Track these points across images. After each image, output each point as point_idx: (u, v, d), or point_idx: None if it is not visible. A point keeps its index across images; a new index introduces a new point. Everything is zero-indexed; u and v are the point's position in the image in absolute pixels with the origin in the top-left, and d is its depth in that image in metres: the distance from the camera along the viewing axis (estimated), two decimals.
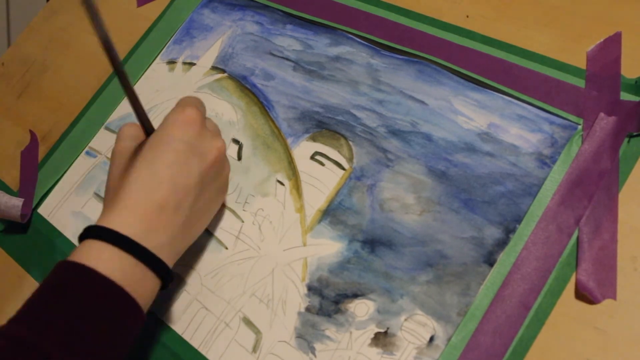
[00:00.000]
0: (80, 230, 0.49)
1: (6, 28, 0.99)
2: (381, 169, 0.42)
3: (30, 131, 0.58)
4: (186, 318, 0.43)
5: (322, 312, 0.39)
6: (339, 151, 0.44)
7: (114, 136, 0.53)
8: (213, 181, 0.38)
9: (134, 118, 0.53)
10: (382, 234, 0.40)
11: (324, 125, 0.45)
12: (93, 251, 0.33)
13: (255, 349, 0.40)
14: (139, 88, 0.55)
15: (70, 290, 0.31)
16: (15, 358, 0.29)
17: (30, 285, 0.49)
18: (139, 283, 0.33)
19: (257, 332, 0.40)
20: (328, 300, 0.39)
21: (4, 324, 0.31)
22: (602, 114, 0.38)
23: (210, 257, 0.44)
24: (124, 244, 0.33)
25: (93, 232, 0.33)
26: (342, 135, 0.44)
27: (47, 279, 0.33)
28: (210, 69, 0.53)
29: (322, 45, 0.49)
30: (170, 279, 0.35)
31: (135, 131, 0.39)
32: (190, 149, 0.36)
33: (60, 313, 0.31)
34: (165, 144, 0.35)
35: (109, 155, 0.52)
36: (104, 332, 0.31)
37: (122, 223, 0.33)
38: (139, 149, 0.37)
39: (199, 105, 0.39)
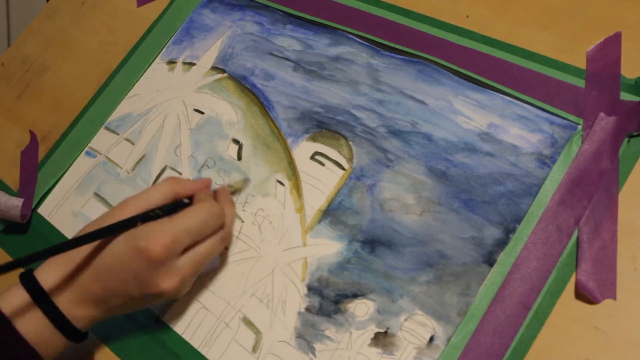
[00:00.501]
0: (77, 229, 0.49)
1: (6, 28, 0.99)
2: (381, 169, 0.42)
3: (30, 131, 0.58)
4: (186, 318, 0.43)
5: (322, 312, 0.39)
6: (339, 151, 0.44)
7: (114, 136, 0.53)
8: (146, 302, 0.39)
9: (134, 117, 0.53)
10: (382, 234, 0.40)
11: (324, 126, 0.45)
12: (20, 304, 0.36)
13: (255, 349, 0.40)
14: (139, 88, 0.55)
15: None
16: None
17: None
18: (49, 342, 0.37)
19: (257, 332, 0.40)
20: (328, 300, 0.39)
21: None
22: (602, 114, 0.38)
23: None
24: (48, 309, 0.37)
25: (28, 278, 0.37)
26: (342, 136, 0.44)
27: None
28: (210, 69, 0.53)
29: (322, 46, 0.49)
30: (82, 338, 0.39)
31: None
32: (133, 277, 0.37)
33: None
34: (117, 258, 0.37)
35: (109, 155, 0.52)
36: None
37: (53, 284, 0.37)
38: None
39: (187, 232, 0.37)
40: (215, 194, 0.42)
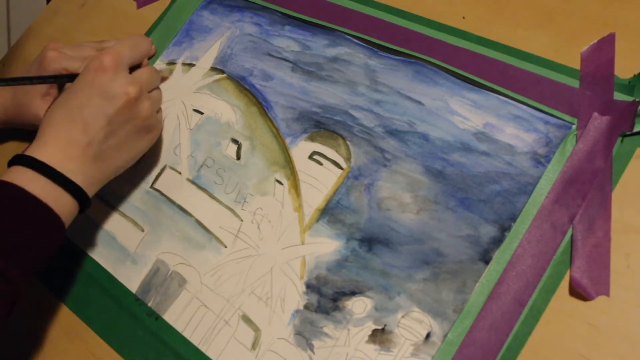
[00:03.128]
0: (80, 229, 0.49)
1: (6, 29, 0.99)
2: (378, 169, 0.43)
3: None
4: (186, 316, 0.43)
5: (320, 309, 0.40)
6: (336, 151, 0.44)
7: None
8: (125, 123, 0.42)
9: None
10: (380, 232, 0.40)
11: (322, 125, 0.46)
12: (20, 175, 0.39)
13: (254, 346, 0.40)
14: None
15: (3, 206, 0.38)
16: None
17: (30, 284, 0.50)
18: (57, 201, 0.40)
19: (256, 329, 0.41)
20: (326, 297, 0.40)
21: None
22: (595, 114, 0.38)
23: (209, 256, 0.44)
24: (43, 170, 0.39)
25: (20, 160, 0.40)
26: (340, 135, 0.45)
27: None
28: (210, 69, 0.53)
29: (320, 46, 0.49)
30: (87, 202, 0.42)
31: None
32: (98, 92, 0.41)
33: None
34: (79, 87, 0.42)
35: None
36: (35, 238, 0.38)
37: (43, 154, 0.40)
38: (65, 90, 0.43)
39: (125, 50, 0.44)
40: None
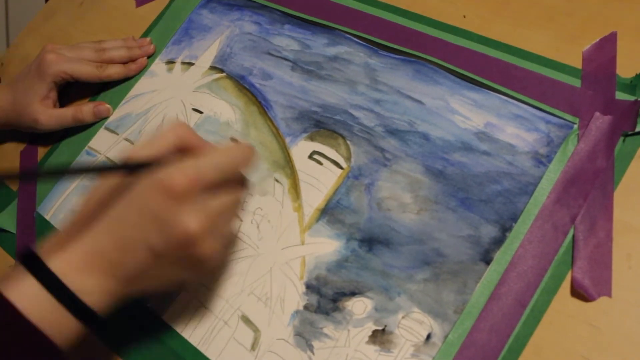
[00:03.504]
0: None
1: (5, 28, 0.99)
2: (379, 168, 0.42)
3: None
4: (185, 316, 0.43)
5: (320, 310, 0.40)
6: (336, 150, 0.44)
7: (114, 136, 0.53)
8: (175, 261, 0.33)
9: (133, 117, 0.53)
10: (380, 232, 0.40)
11: (322, 125, 0.46)
12: (20, 284, 0.31)
13: (253, 346, 0.40)
14: (139, 88, 0.55)
15: None
16: None
17: None
18: (57, 324, 0.31)
19: (256, 330, 0.41)
20: (326, 298, 0.40)
21: None
22: (597, 113, 0.38)
23: None
24: (51, 283, 0.31)
25: (29, 259, 0.32)
26: (340, 135, 0.45)
27: None
28: (209, 68, 0.53)
29: (320, 45, 0.49)
30: (98, 323, 0.33)
31: None
32: (150, 216, 0.31)
33: None
34: (132, 200, 0.32)
35: (109, 155, 0.53)
36: None
37: (58, 259, 0.32)
38: (116, 189, 0.33)
39: (210, 171, 0.33)
40: None
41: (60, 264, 0.31)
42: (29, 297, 0.31)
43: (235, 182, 0.35)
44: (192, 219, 0.31)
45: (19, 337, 0.30)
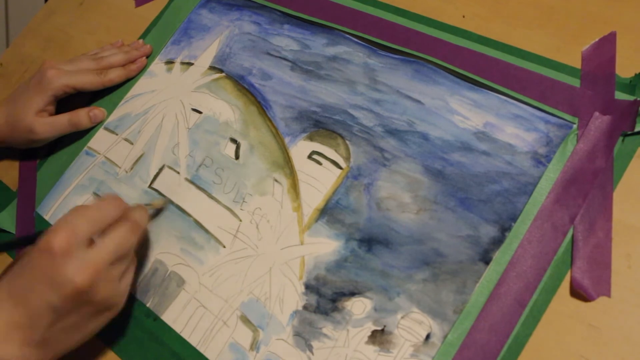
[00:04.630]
0: None
1: (5, 28, 0.99)
2: (378, 168, 0.42)
3: None
4: (184, 316, 0.43)
5: (319, 310, 0.39)
6: (336, 150, 0.44)
7: (113, 136, 0.53)
8: (75, 310, 0.35)
9: (132, 117, 0.53)
10: (379, 232, 0.40)
11: (321, 125, 0.46)
12: None
13: (252, 346, 0.40)
14: (138, 88, 0.55)
15: None
16: None
17: None
18: None
19: (255, 330, 0.40)
20: (325, 298, 0.40)
21: None
22: (596, 113, 0.38)
23: (208, 256, 0.44)
24: None
25: None
26: (339, 135, 0.45)
27: None
28: (208, 68, 0.53)
29: (319, 45, 0.49)
30: None
31: None
32: (42, 279, 0.34)
33: None
34: (24, 266, 0.35)
35: (108, 155, 0.53)
36: None
37: None
38: (16, 259, 0.37)
39: (83, 225, 0.36)
40: None
41: None
42: None
43: (117, 223, 0.39)
44: (76, 273, 0.34)
45: None
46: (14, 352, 0.34)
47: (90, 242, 0.36)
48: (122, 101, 0.55)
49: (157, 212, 0.47)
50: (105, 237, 0.37)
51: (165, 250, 0.46)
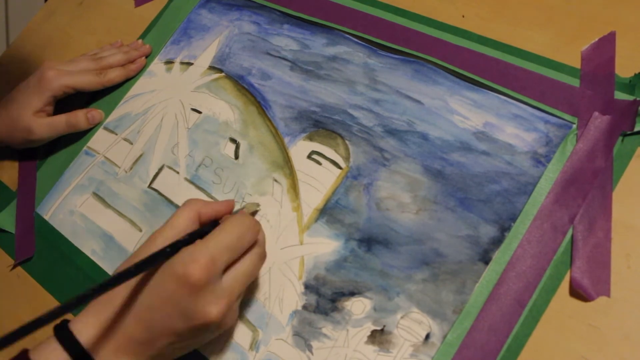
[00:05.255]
0: (78, 230, 0.49)
1: (5, 28, 0.99)
2: (378, 168, 0.42)
3: None
4: None
5: (319, 310, 0.39)
6: (335, 150, 0.44)
7: (113, 136, 0.53)
8: (197, 336, 0.36)
9: (132, 117, 0.53)
10: (379, 232, 0.40)
11: (321, 125, 0.46)
12: (52, 356, 0.34)
13: (252, 346, 0.40)
14: (137, 88, 0.55)
15: None
16: None
17: (29, 285, 0.50)
18: None
19: (254, 330, 0.40)
20: (325, 298, 0.40)
21: None
22: (596, 113, 0.38)
23: None
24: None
25: (64, 332, 0.34)
26: (339, 135, 0.45)
27: None
28: (208, 68, 0.53)
29: (319, 45, 0.49)
30: None
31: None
32: (174, 307, 0.34)
33: None
34: (155, 290, 0.34)
35: (108, 155, 0.53)
36: None
37: (92, 336, 0.34)
38: (143, 277, 0.36)
39: (223, 255, 0.35)
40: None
41: (100, 352, 0.34)
42: None
43: (250, 251, 0.37)
44: (212, 308, 0.34)
45: None
46: None
47: (224, 270, 0.35)
48: (122, 101, 0.55)
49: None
50: (239, 266, 0.36)
51: None
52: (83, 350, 0.34)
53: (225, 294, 0.35)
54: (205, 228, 0.37)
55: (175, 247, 0.34)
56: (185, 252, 0.34)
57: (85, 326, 0.35)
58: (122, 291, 0.35)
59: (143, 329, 0.34)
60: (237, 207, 0.44)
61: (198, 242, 0.35)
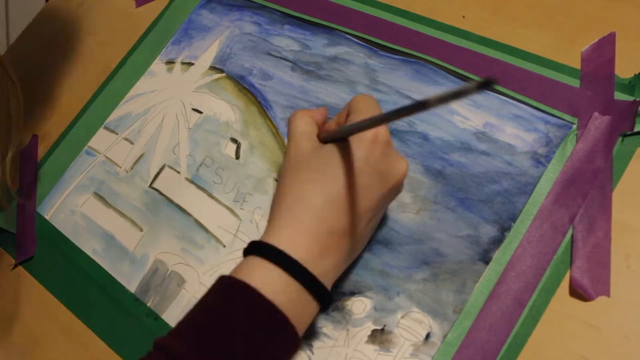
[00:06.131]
0: (79, 229, 0.49)
1: (5, 28, 0.99)
2: None
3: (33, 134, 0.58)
4: None
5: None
6: None
7: (114, 136, 0.53)
8: (388, 202, 0.36)
9: (133, 117, 0.53)
10: (379, 232, 0.40)
11: None
12: (259, 271, 0.32)
13: None
14: (138, 88, 0.55)
15: (233, 311, 0.31)
16: None
17: (30, 284, 0.50)
18: (300, 309, 0.32)
19: None
20: None
21: (165, 337, 0.31)
22: (596, 114, 0.38)
23: (208, 255, 0.44)
24: (291, 268, 0.32)
25: (261, 249, 0.33)
26: None
27: (210, 292, 0.32)
28: (209, 69, 0.53)
29: (319, 46, 0.49)
30: (330, 303, 0.34)
31: (309, 127, 0.37)
32: (373, 171, 0.33)
33: (222, 334, 0.30)
34: (347, 163, 0.33)
35: (108, 155, 0.53)
36: (263, 356, 0.31)
37: (291, 244, 0.32)
38: (317, 157, 0.34)
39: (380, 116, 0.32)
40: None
41: (298, 253, 0.32)
42: (271, 284, 0.31)
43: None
44: (401, 163, 0.35)
45: (265, 323, 0.31)
46: (328, 263, 0.33)
47: None
48: (123, 101, 0.55)
49: None
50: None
51: (165, 250, 0.46)
52: (292, 260, 0.32)
53: (400, 154, 0.35)
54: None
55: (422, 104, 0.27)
56: (364, 125, 0.32)
57: (281, 239, 0.33)
58: (301, 193, 0.33)
59: (342, 212, 0.33)
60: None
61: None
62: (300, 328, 0.32)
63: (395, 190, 0.35)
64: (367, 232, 0.36)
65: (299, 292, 0.32)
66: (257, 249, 0.33)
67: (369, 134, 0.33)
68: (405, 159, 0.35)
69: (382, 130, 0.33)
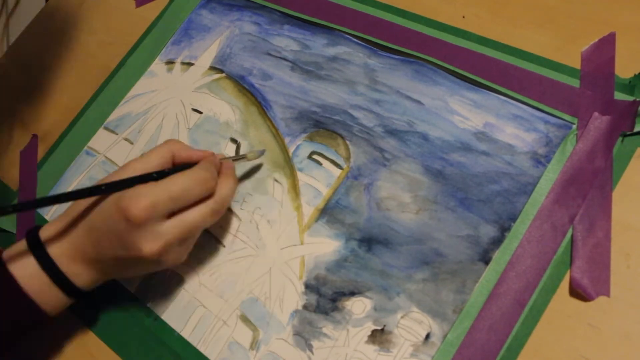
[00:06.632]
0: None
1: (5, 28, 0.99)
2: (378, 168, 0.42)
3: (32, 133, 0.58)
4: (184, 316, 0.43)
5: (319, 309, 0.40)
6: (336, 150, 0.44)
7: (113, 136, 0.53)
8: (135, 266, 0.39)
9: (132, 117, 0.53)
10: (379, 232, 0.40)
11: (321, 125, 0.46)
12: (23, 257, 0.39)
13: (252, 346, 0.40)
14: (138, 88, 0.55)
15: None
16: None
17: None
18: (48, 298, 0.39)
19: (255, 329, 0.41)
20: (325, 298, 0.40)
21: None
22: (596, 114, 0.38)
23: (208, 256, 0.44)
24: (47, 264, 0.38)
25: (35, 243, 0.39)
26: (340, 135, 0.45)
27: None
28: (209, 69, 0.53)
29: (319, 46, 0.49)
30: (83, 296, 0.41)
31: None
32: (115, 235, 0.37)
33: None
34: (102, 216, 0.38)
35: (108, 155, 0.53)
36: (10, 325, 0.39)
37: (55, 248, 0.39)
38: (95, 201, 0.39)
39: (165, 201, 0.37)
40: (220, 166, 0.42)
41: (55, 251, 0.39)
42: (29, 275, 0.38)
43: (202, 203, 0.39)
44: (145, 245, 0.36)
45: (15, 306, 0.38)
46: (80, 269, 0.39)
47: (169, 215, 0.37)
48: (123, 101, 0.55)
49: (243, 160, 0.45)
50: (185, 215, 0.38)
51: None
52: (40, 244, 0.39)
53: (162, 236, 0.37)
54: (174, 169, 0.39)
55: (135, 181, 0.38)
56: (136, 190, 0.37)
57: (48, 230, 0.40)
58: (81, 206, 0.39)
59: (92, 246, 0.38)
60: (240, 172, 0.44)
61: (151, 183, 0.37)
62: (48, 307, 0.39)
63: (141, 261, 0.38)
64: (118, 272, 0.41)
65: (47, 284, 0.39)
66: (34, 234, 0.40)
67: (123, 204, 0.36)
68: (159, 245, 0.37)
69: (133, 210, 0.36)
